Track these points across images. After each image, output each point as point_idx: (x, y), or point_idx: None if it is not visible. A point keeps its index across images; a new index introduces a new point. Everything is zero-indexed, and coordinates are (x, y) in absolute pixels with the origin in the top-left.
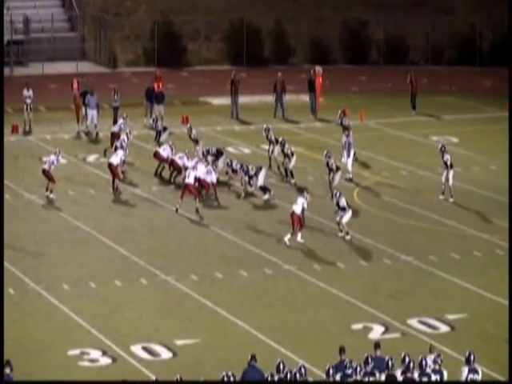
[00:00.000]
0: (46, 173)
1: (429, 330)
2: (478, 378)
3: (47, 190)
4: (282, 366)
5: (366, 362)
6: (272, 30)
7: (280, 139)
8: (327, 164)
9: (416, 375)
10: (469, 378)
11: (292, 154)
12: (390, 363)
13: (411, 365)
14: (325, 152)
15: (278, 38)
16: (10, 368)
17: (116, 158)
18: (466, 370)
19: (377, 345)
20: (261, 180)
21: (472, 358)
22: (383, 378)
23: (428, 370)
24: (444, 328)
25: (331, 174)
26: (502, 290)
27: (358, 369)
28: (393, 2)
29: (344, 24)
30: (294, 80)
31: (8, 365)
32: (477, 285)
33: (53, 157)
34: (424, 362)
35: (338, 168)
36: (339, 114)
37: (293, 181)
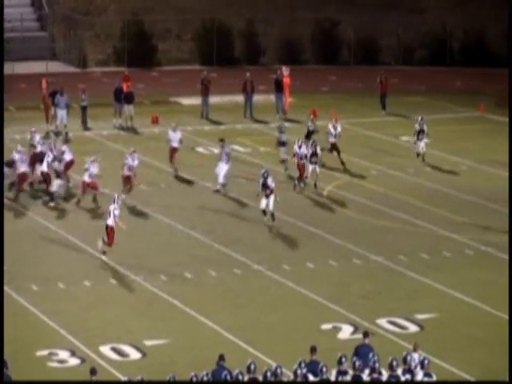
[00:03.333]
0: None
1: (398, 330)
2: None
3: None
4: (253, 367)
5: (340, 362)
6: (243, 30)
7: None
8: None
9: (400, 372)
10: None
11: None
12: (357, 364)
13: (377, 365)
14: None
15: (249, 38)
16: (6, 367)
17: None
18: (420, 373)
19: (365, 334)
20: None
21: (426, 362)
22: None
23: (412, 367)
24: (413, 328)
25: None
26: (471, 290)
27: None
28: (364, 2)
29: (315, 24)
30: (264, 80)
31: (5, 364)
32: (447, 285)
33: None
34: (409, 358)
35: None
36: (311, 118)
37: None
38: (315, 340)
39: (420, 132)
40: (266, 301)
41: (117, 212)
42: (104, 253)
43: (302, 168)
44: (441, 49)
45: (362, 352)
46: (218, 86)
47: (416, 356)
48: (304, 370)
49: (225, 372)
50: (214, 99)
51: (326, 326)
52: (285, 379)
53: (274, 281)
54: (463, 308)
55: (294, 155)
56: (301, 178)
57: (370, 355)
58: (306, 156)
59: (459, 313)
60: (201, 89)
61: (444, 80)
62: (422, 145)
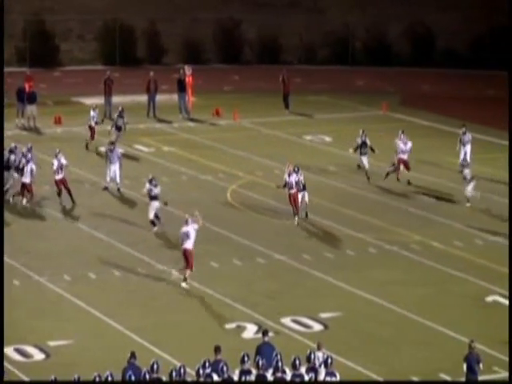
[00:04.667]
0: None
1: (302, 329)
2: (336, 379)
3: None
4: (155, 367)
5: (243, 361)
6: (145, 29)
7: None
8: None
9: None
10: (326, 380)
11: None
12: (260, 363)
13: (280, 364)
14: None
15: (152, 37)
16: None
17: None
18: (323, 372)
19: (264, 332)
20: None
21: (330, 361)
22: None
23: (316, 366)
24: (317, 327)
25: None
26: (375, 289)
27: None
28: (266, 2)
29: (217, 24)
30: (167, 80)
31: None
32: (351, 283)
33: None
34: (313, 356)
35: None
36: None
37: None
38: (219, 339)
39: (362, 145)
40: (171, 301)
41: (193, 235)
42: (185, 279)
43: (295, 199)
44: (343, 48)
45: (263, 351)
46: (121, 86)
47: (320, 355)
48: (208, 370)
49: (129, 373)
50: (116, 99)
51: (230, 326)
52: (189, 379)
53: (178, 281)
54: (367, 307)
55: (285, 185)
56: (297, 210)
57: (274, 354)
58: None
59: (363, 311)
60: (104, 89)
61: (347, 79)
62: (365, 160)
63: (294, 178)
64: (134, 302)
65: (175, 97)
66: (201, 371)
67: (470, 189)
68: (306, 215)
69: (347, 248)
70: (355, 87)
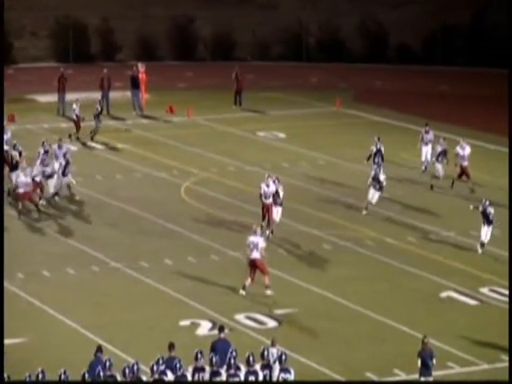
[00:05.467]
0: None
1: (256, 326)
2: (290, 377)
3: None
4: (108, 364)
5: (196, 358)
6: (99, 26)
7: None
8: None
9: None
10: (280, 377)
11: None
12: (214, 359)
13: (233, 361)
14: None
15: (105, 34)
16: None
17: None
18: (277, 369)
19: (221, 328)
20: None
21: (284, 357)
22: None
23: (271, 363)
24: (271, 323)
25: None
26: (330, 285)
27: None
28: None
29: (171, 20)
30: (121, 77)
31: None
32: (305, 280)
33: None
34: (267, 353)
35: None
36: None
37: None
38: (174, 336)
39: (377, 154)
40: (125, 298)
41: (263, 245)
42: (268, 287)
43: (268, 210)
44: (296, 44)
45: (218, 347)
46: (75, 83)
47: (274, 351)
48: (162, 367)
49: (99, 368)
50: (70, 96)
51: (185, 323)
52: (143, 376)
53: (132, 278)
54: (322, 303)
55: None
56: (268, 223)
57: (229, 350)
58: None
59: (318, 308)
60: (57, 86)
61: (300, 75)
62: (379, 170)
63: (271, 189)
64: (88, 300)
65: (128, 94)
66: (155, 368)
67: (372, 195)
68: (272, 232)
69: (301, 244)
70: (309, 83)
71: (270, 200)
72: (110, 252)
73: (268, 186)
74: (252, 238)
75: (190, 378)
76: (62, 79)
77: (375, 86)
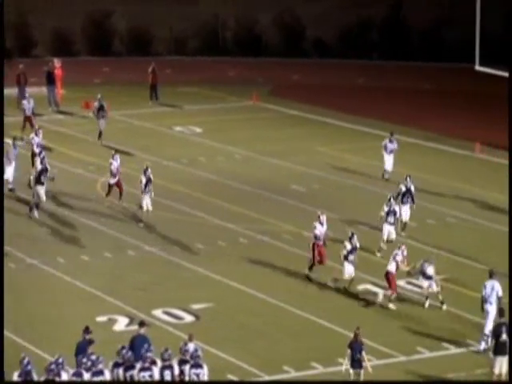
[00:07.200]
0: None
1: (173, 321)
2: (202, 372)
3: None
4: (25, 361)
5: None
6: (14, 21)
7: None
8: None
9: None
10: (192, 373)
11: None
12: (128, 354)
13: (149, 355)
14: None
15: (21, 29)
16: None
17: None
18: (188, 366)
19: (141, 324)
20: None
21: (199, 352)
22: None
23: (188, 358)
24: (189, 318)
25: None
26: (247, 279)
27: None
28: None
29: (87, 15)
30: (36, 72)
31: None
32: (222, 274)
33: None
34: (184, 348)
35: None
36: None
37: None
38: (91, 333)
39: (406, 193)
40: (41, 294)
41: (399, 258)
42: (391, 301)
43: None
44: (213, 39)
45: (137, 342)
46: None
47: (191, 346)
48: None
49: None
50: None
51: (102, 319)
52: (67, 370)
53: (48, 274)
54: (239, 297)
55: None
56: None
57: (146, 346)
58: None
59: (235, 302)
60: (17, 82)
61: (217, 70)
62: (405, 210)
63: (323, 229)
64: (5, 297)
65: (44, 89)
66: (52, 365)
67: (388, 232)
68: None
69: (218, 239)
70: (226, 78)
71: (321, 241)
72: (26, 249)
73: (322, 224)
74: (396, 252)
75: (108, 373)
76: (21, 75)
77: (292, 80)
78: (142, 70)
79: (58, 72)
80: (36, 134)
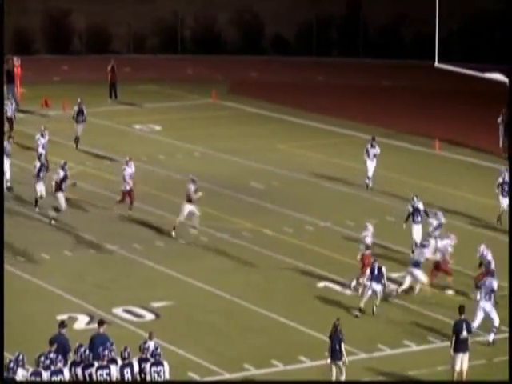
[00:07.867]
0: None
1: (134, 319)
2: (163, 369)
3: None
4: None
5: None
6: None
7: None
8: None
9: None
10: (152, 371)
11: None
12: (86, 353)
13: (111, 354)
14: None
15: None
16: None
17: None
18: (148, 364)
19: (100, 322)
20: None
21: (159, 350)
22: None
23: (148, 356)
24: (149, 316)
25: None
26: (206, 277)
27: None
28: None
29: (46, 13)
30: None
31: None
32: (182, 272)
33: None
34: (144, 346)
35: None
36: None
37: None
38: (51, 331)
39: (415, 212)
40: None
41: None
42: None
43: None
44: (172, 37)
45: (97, 341)
46: None
47: (152, 344)
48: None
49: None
50: None
51: (62, 317)
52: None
53: (8, 272)
54: (199, 295)
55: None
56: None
57: (108, 344)
58: None
59: (195, 300)
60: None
61: (176, 68)
62: (416, 229)
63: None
64: None
65: (4, 88)
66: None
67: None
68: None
69: (178, 236)
70: (184, 76)
71: (369, 251)
72: None
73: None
74: (445, 242)
75: (67, 372)
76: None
77: (251, 78)
78: (101, 68)
79: (17, 70)
80: (42, 135)
